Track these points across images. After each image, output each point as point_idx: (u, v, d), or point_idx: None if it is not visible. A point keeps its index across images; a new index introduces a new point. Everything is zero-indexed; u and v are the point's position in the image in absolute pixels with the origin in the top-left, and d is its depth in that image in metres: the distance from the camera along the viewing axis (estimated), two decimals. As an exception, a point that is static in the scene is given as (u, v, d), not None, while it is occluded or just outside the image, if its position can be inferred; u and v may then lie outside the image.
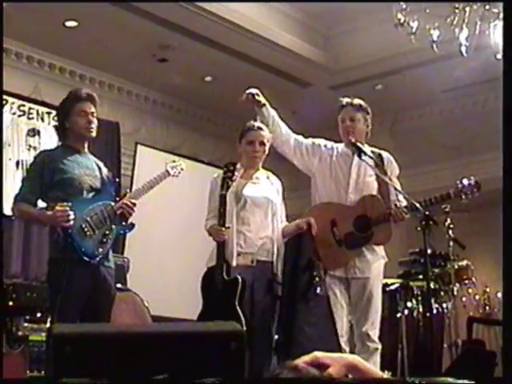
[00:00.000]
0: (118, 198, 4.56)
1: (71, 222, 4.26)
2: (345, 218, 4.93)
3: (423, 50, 6.69)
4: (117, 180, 4.75)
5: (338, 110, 5.15)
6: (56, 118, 4.96)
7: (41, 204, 4.53)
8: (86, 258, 4.33)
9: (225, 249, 4.71)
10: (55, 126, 4.78)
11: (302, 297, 4.74)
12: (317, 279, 4.72)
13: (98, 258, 4.40)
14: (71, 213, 4.25)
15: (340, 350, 4.70)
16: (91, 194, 4.50)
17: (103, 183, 4.58)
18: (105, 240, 4.43)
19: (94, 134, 4.60)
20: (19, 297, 6.53)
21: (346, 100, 5.15)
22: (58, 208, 4.26)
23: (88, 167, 4.56)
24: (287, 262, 4.85)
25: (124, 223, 4.60)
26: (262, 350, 4.65)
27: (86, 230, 4.35)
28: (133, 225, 4.68)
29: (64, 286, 4.18)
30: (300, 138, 5.17)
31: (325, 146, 5.17)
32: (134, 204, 4.54)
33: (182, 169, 4.91)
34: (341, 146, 5.16)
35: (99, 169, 4.63)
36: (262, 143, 4.96)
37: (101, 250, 4.41)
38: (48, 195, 4.45)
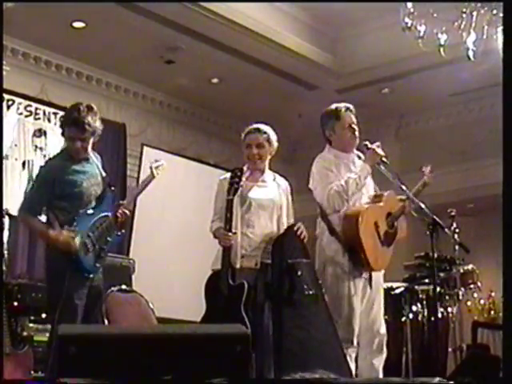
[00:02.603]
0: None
1: (75, 247, 4.37)
2: (381, 218, 5.01)
3: (430, 54, 6.67)
4: (112, 189, 4.78)
5: (334, 117, 5.15)
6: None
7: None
8: (86, 275, 4.47)
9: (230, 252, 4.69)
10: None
11: (286, 300, 4.69)
12: (300, 277, 4.70)
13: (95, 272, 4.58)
14: (76, 240, 4.36)
15: (343, 353, 4.69)
16: (94, 203, 4.59)
17: (104, 189, 4.67)
18: (102, 255, 4.58)
19: (86, 155, 4.61)
20: (24, 297, 6.53)
21: (342, 106, 5.17)
22: (64, 235, 4.36)
23: (93, 175, 4.63)
24: (273, 266, 4.80)
25: (118, 233, 4.72)
26: (265, 351, 4.64)
27: (88, 245, 4.47)
28: (123, 233, 4.89)
29: (65, 296, 4.29)
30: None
31: (334, 155, 5.17)
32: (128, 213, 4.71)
33: (163, 168, 4.96)
34: (342, 153, 5.14)
35: (100, 173, 4.70)
36: (259, 145, 4.91)
37: (98, 265, 4.56)
38: (54, 204, 4.51)
